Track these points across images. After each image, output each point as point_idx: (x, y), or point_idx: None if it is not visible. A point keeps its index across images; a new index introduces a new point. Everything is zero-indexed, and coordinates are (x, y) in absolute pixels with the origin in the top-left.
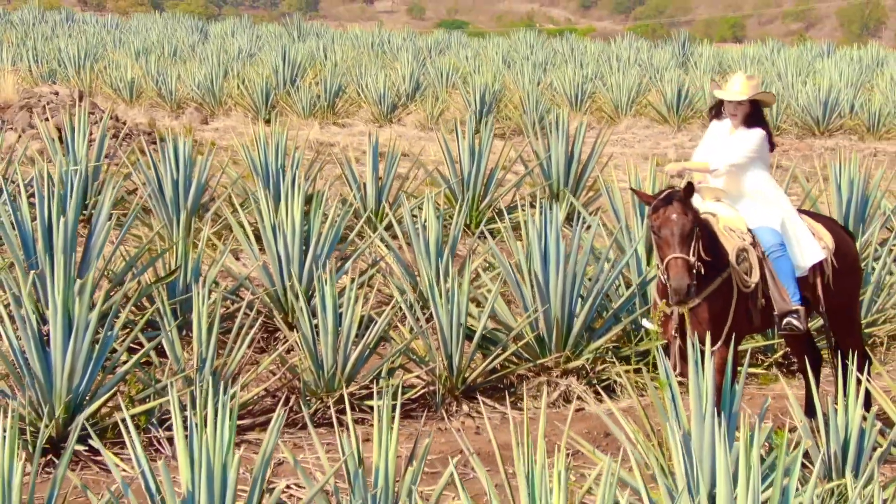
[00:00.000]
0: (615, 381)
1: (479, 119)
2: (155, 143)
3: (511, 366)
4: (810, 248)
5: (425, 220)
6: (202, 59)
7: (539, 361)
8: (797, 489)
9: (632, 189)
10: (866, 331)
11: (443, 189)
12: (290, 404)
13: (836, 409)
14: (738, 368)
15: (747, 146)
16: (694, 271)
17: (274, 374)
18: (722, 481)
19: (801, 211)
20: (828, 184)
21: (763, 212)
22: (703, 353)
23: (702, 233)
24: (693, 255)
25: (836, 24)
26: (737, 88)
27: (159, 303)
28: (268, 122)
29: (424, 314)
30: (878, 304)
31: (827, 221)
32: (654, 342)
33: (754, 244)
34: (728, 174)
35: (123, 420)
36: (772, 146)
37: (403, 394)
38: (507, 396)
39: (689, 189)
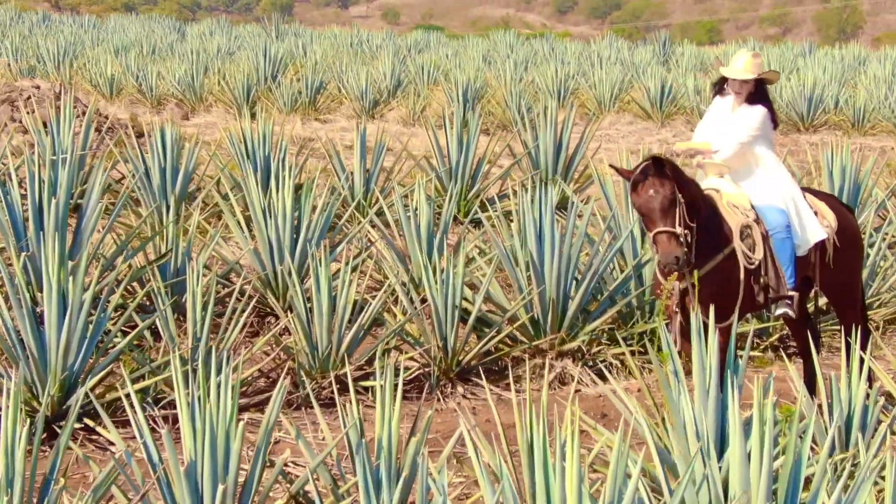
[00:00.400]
0: (611, 364)
1: (455, 116)
2: (139, 136)
3: (506, 348)
4: (813, 226)
5: (416, 206)
6: (182, 56)
7: (534, 343)
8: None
9: (610, 165)
10: None
11: (434, 175)
12: (285, 385)
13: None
14: (740, 352)
15: (750, 124)
16: (682, 240)
17: (268, 356)
18: (736, 444)
19: (803, 189)
20: (820, 172)
21: (768, 190)
22: (706, 327)
23: (685, 199)
24: (679, 226)
25: (813, 28)
26: (741, 66)
27: (154, 282)
28: (252, 117)
29: (415, 298)
30: (874, 287)
31: (828, 199)
32: (652, 323)
33: (758, 221)
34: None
35: (118, 400)
36: (775, 124)
37: (398, 375)
38: (503, 378)
39: (659, 162)
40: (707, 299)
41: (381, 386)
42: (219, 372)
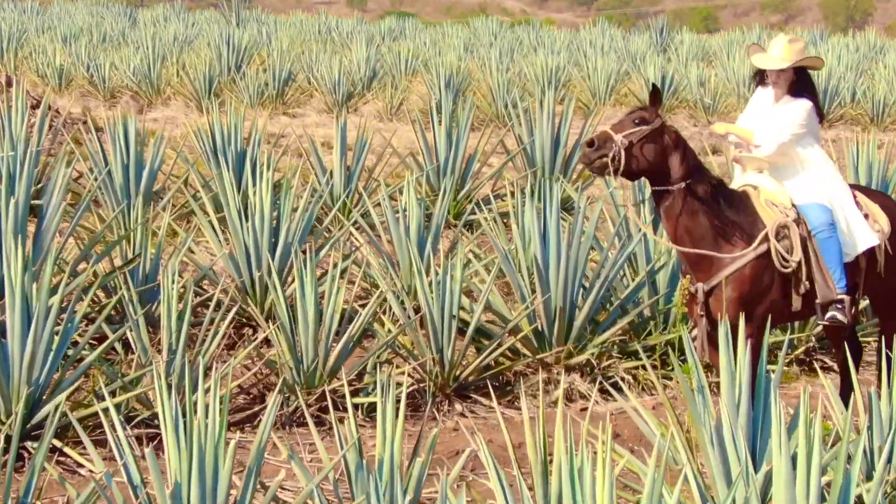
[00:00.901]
0: (622, 379)
1: (442, 108)
2: (97, 130)
3: (507, 362)
4: (862, 231)
5: (405, 207)
6: (137, 45)
7: (539, 356)
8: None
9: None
10: None
11: (425, 172)
12: (277, 401)
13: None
14: (772, 366)
15: (793, 119)
16: (615, 151)
17: (248, 370)
18: (782, 466)
19: (852, 186)
20: (844, 170)
21: (811, 188)
22: (734, 335)
23: (650, 138)
24: (622, 136)
25: (818, 15)
26: (777, 54)
27: (124, 290)
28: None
29: (408, 307)
30: None
31: (881, 198)
32: (668, 335)
33: (798, 222)
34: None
35: (88, 417)
36: (820, 117)
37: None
38: (504, 395)
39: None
40: (734, 304)
41: (382, 402)
42: (196, 388)
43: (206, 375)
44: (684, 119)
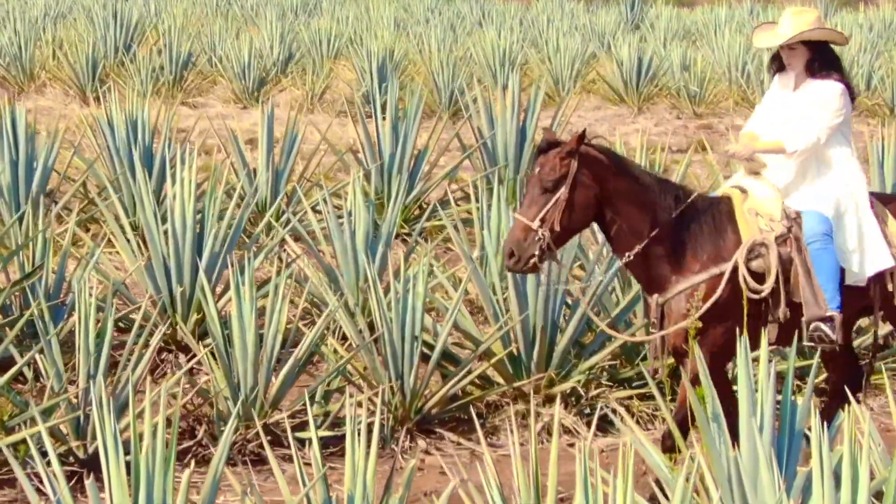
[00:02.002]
0: (613, 411)
1: (372, 98)
2: None
3: (477, 391)
4: (874, 250)
5: (350, 210)
6: (1, 20)
7: (515, 385)
8: None
9: (544, 129)
10: None
11: (373, 168)
12: (200, 437)
13: None
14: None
15: (827, 109)
16: (538, 239)
17: (174, 398)
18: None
19: (874, 195)
20: (867, 166)
21: (816, 192)
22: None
23: (574, 198)
24: (539, 220)
25: None
26: (782, 30)
27: (34, 307)
28: (100, 99)
29: (362, 327)
30: None
31: None
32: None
33: (785, 238)
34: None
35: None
36: (852, 97)
37: (341, 425)
38: (473, 430)
39: (578, 141)
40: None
41: (353, 431)
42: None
43: (124, 407)
44: (665, 110)
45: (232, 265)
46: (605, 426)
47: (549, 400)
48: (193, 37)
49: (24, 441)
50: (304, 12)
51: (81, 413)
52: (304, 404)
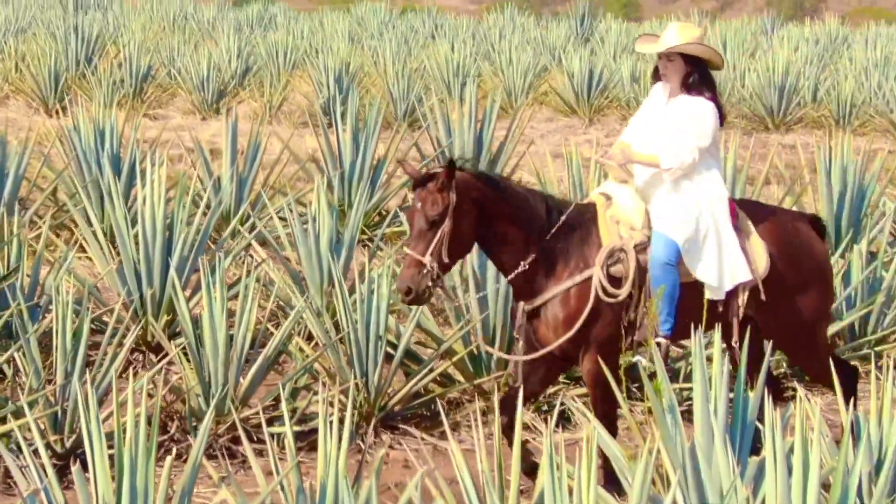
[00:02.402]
0: (571, 409)
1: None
2: None
3: (439, 388)
4: (734, 266)
5: (314, 216)
6: None
7: (475, 382)
8: None
9: (398, 161)
10: (877, 348)
11: (335, 176)
12: (172, 432)
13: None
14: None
15: (700, 131)
16: (427, 271)
17: (151, 397)
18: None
19: (743, 203)
20: (794, 181)
21: (671, 214)
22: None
23: (458, 227)
24: (430, 255)
25: (761, 2)
26: (664, 41)
27: (13, 308)
28: (62, 111)
29: (329, 327)
30: (889, 317)
31: (777, 224)
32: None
33: (646, 247)
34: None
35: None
36: (721, 119)
37: (308, 420)
38: (435, 426)
39: (451, 172)
40: (556, 329)
41: (325, 423)
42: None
43: (102, 402)
44: (616, 122)
45: (203, 267)
46: (562, 422)
47: None
48: (153, 51)
49: (4, 434)
50: (259, 26)
51: (59, 409)
52: (273, 401)
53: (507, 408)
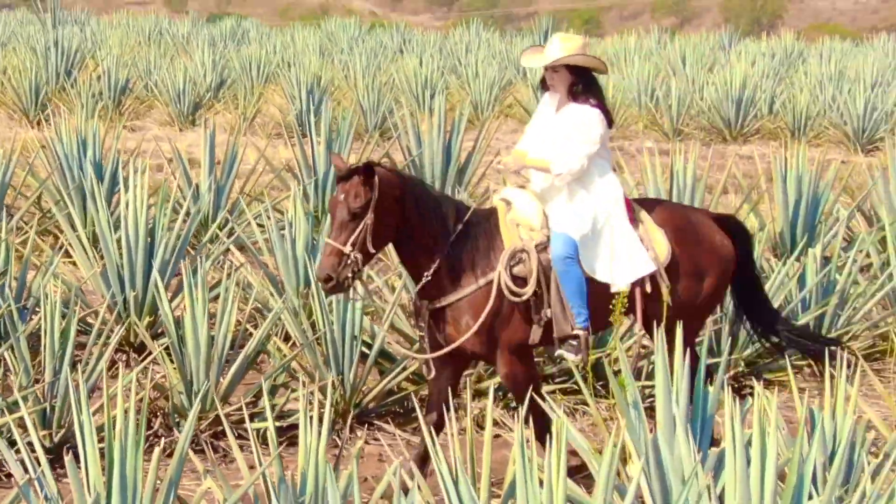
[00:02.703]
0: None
1: (307, 121)
2: None
3: (411, 386)
4: (634, 259)
5: (291, 221)
6: None
7: None
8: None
9: (330, 152)
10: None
11: (309, 184)
12: (156, 428)
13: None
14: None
15: (587, 138)
16: (349, 262)
17: (140, 391)
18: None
19: (640, 201)
20: (771, 185)
21: (568, 213)
22: (670, 344)
23: (380, 221)
24: (350, 245)
25: (719, 19)
26: (548, 53)
27: (3, 309)
28: (41, 123)
29: (306, 327)
30: (843, 318)
31: (672, 212)
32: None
33: (546, 247)
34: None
35: None
36: (609, 122)
37: (286, 417)
38: (408, 422)
39: (370, 169)
40: (454, 334)
41: (306, 416)
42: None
43: (90, 398)
44: None
45: (184, 270)
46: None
47: (479, 394)
48: (130, 64)
49: None
50: (232, 41)
51: (48, 405)
52: (253, 398)
53: (432, 407)
